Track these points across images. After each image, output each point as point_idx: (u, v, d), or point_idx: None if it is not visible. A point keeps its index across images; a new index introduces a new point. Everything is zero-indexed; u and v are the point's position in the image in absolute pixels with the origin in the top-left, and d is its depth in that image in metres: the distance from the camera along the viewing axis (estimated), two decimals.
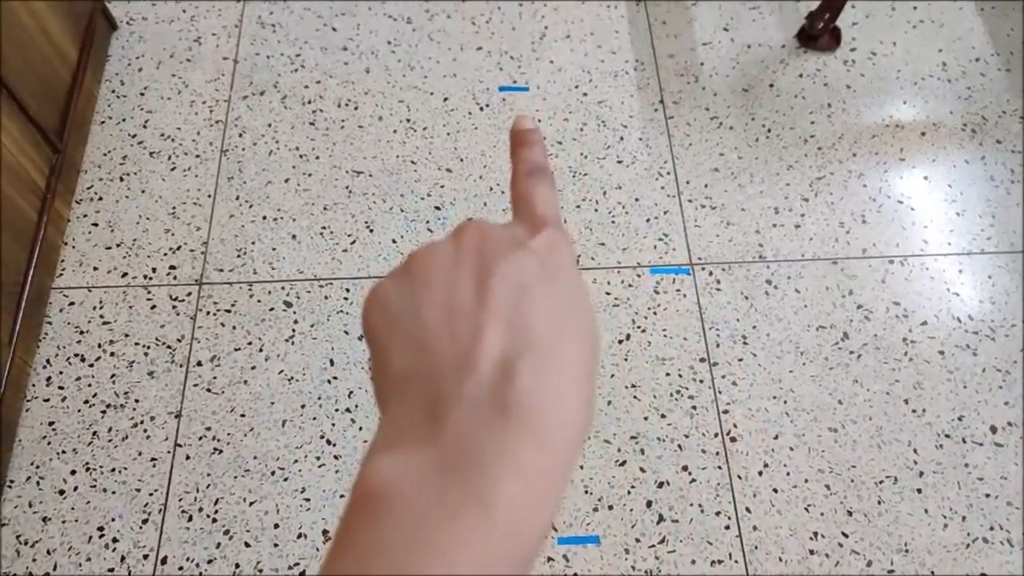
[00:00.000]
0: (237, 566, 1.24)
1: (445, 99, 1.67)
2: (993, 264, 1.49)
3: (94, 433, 1.33)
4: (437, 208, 1.54)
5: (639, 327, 1.44)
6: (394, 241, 1.51)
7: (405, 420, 0.24)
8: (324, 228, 1.52)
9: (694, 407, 1.37)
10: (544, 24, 1.77)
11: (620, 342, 1.42)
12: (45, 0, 1.44)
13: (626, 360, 1.41)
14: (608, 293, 1.46)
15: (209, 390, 1.37)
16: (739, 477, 1.32)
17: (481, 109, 1.66)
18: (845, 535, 1.28)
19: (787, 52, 1.75)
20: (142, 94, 1.66)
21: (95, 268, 1.47)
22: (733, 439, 1.35)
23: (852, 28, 1.76)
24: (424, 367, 0.25)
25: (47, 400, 1.36)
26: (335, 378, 1.38)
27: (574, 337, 0.26)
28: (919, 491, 1.31)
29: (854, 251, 1.51)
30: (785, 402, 1.38)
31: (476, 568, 0.21)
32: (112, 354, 1.40)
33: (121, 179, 1.56)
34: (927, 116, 1.66)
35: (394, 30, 1.75)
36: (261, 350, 1.40)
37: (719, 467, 1.32)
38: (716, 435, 1.35)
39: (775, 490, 1.31)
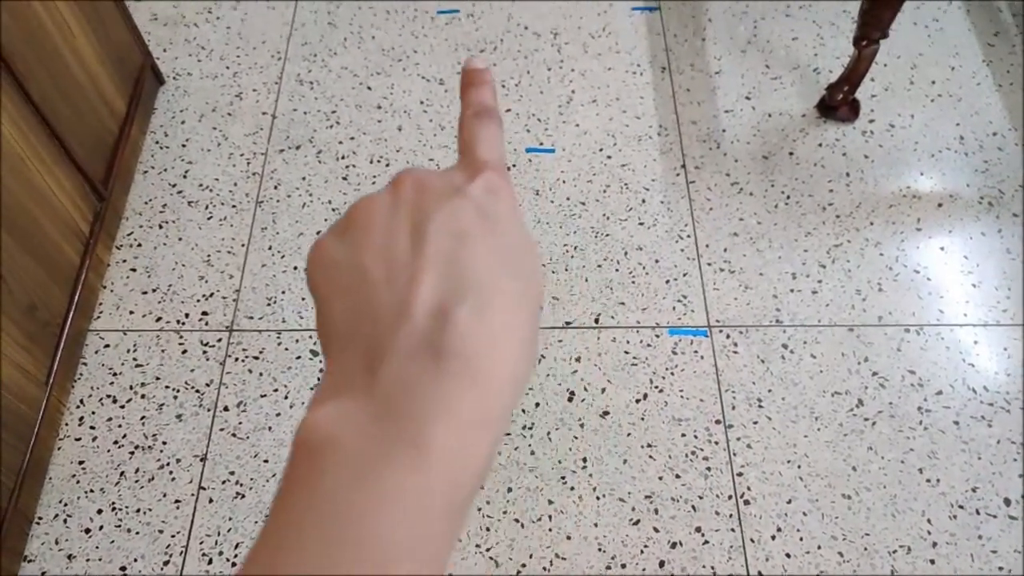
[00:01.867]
0: None
1: None
2: (1009, 336, 1.50)
3: (121, 473, 1.37)
4: None
5: (656, 387, 1.46)
6: None
7: (344, 370, 0.24)
8: None
9: (708, 468, 1.39)
10: (571, 88, 1.83)
11: (637, 401, 1.45)
12: (101, 62, 1.53)
13: (643, 420, 1.43)
14: (627, 352, 1.50)
15: (234, 435, 1.41)
16: (752, 540, 1.33)
17: (508, 169, 1.71)
18: None
19: (807, 122, 1.79)
20: (184, 145, 1.73)
21: (131, 312, 1.52)
22: (747, 502, 1.36)
23: (871, 100, 1.81)
24: (363, 318, 0.25)
25: (78, 439, 1.40)
26: None
27: (513, 281, 0.26)
28: (932, 562, 1.31)
29: (870, 318, 1.53)
30: (799, 467, 1.39)
31: (411, 511, 0.21)
32: (143, 396, 1.44)
33: (160, 226, 1.62)
34: (944, 188, 1.69)
35: (427, 90, 1.82)
36: (286, 397, 1.44)
37: (732, 529, 1.34)
38: (730, 497, 1.36)
39: (788, 555, 1.32)
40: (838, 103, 1.76)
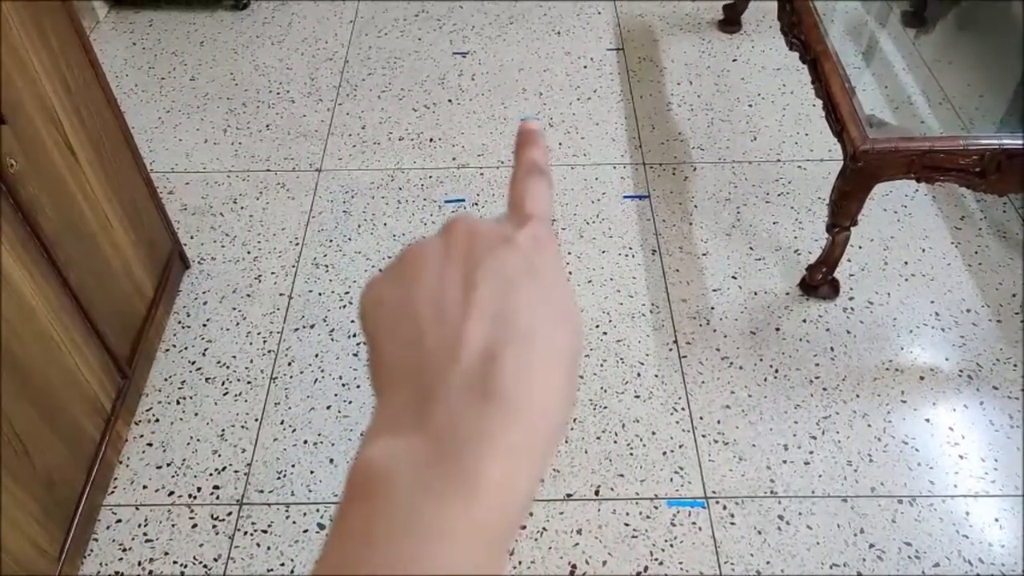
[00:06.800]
0: None
1: None
2: (998, 507, 1.54)
3: None
4: None
5: (657, 559, 1.49)
6: None
7: (397, 408, 0.26)
8: None
9: None
10: (568, 271, 1.96)
11: (638, 575, 1.46)
12: (134, 250, 1.66)
13: None
14: (627, 524, 1.53)
15: None
16: None
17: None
18: None
19: (791, 299, 1.91)
20: (204, 325, 1.84)
21: (144, 487, 1.57)
22: None
23: (849, 279, 1.93)
24: (415, 358, 0.26)
25: None
26: None
27: (555, 327, 0.27)
28: None
29: (863, 489, 1.57)
30: None
31: (464, 542, 0.23)
32: (150, 572, 1.46)
33: (178, 402, 1.70)
34: (924, 361, 1.78)
35: None
36: (292, 572, 1.46)
37: None
38: None
39: None
40: (818, 282, 1.88)
